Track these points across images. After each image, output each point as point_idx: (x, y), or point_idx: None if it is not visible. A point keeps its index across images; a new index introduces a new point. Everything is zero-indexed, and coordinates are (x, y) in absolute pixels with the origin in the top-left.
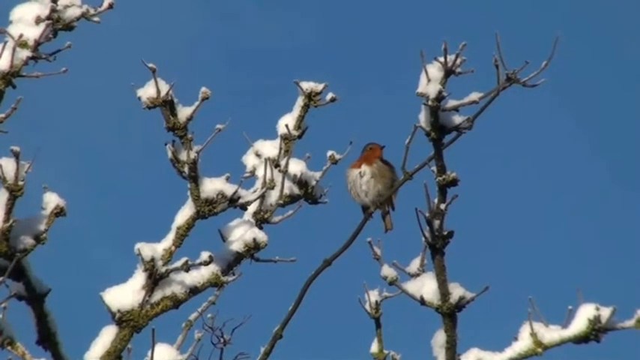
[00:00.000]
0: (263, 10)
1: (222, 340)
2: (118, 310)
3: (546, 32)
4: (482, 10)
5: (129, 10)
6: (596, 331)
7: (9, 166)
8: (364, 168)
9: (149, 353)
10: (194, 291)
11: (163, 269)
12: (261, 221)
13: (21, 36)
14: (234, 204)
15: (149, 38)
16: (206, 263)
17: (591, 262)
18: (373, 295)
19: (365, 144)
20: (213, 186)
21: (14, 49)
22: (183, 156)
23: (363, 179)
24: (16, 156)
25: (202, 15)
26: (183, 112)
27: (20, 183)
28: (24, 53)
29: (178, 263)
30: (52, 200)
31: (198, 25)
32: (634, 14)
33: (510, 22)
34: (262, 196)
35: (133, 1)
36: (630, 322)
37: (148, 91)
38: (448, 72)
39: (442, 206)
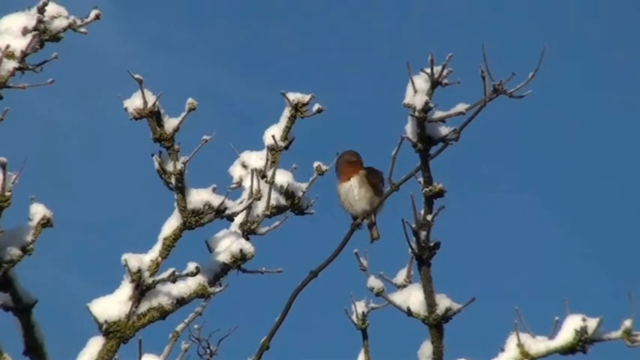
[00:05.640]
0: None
1: (208, 351)
2: (105, 321)
3: (533, 43)
4: (469, 21)
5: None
6: (582, 342)
7: None
8: (353, 180)
9: None
10: (181, 302)
11: (150, 280)
12: (247, 232)
13: (8, 47)
14: (221, 215)
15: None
16: (193, 274)
17: (578, 273)
18: (360, 306)
19: (338, 156)
20: (199, 197)
21: (1, 60)
22: (169, 167)
23: (355, 191)
24: (3, 167)
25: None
26: (170, 123)
27: (7, 194)
28: (11, 64)
29: (165, 274)
30: (38, 211)
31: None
32: (620, 25)
33: (497, 33)
34: (249, 207)
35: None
36: (617, 333)
37: (134, 102)
38: (435, 83)
39: (429, 217)
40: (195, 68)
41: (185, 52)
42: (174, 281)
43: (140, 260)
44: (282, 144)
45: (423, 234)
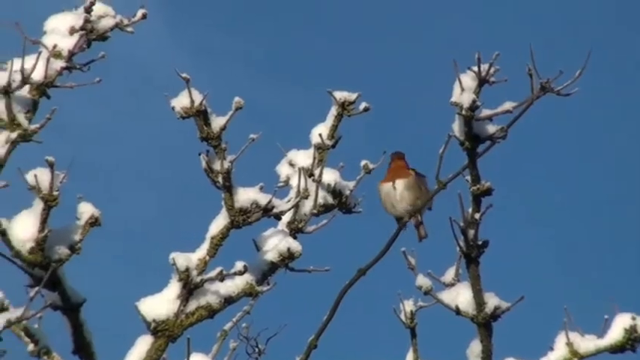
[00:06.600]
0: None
1: (256, 349)
2: (154, 320)
3: (580, 42)
4: (516, 20)
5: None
6: (632, 341)
7: (44, 176)
8: (398, 182)
9: None
10: (229, 301)
11: (198, 279)
12: (295, 231)
13: (55, 46)
14: (269, 213)
15: (185, 50)
16: (240, 273)
17: (628, 271)
18: (408, 305)
19: (391, 154)
20: (247, 196)
21: (48, 60)
22: (217, 166)
23: (397, 191)
24: (51, 166)
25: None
26: (217, 122)
27: (55, 193)
28: (58, 64)
29: (213, 273)
30: (86, 210)
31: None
32: None
33: (543, 31)
34: (296, 206)
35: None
36: None
37: (181, 101)
38: (482, 81)
39: (476, 216)
40: (237, 74)
41: (227, 58)
42: (222, 280)
43: (188, 259)
44: (329, 142)
45: (471, 232)
